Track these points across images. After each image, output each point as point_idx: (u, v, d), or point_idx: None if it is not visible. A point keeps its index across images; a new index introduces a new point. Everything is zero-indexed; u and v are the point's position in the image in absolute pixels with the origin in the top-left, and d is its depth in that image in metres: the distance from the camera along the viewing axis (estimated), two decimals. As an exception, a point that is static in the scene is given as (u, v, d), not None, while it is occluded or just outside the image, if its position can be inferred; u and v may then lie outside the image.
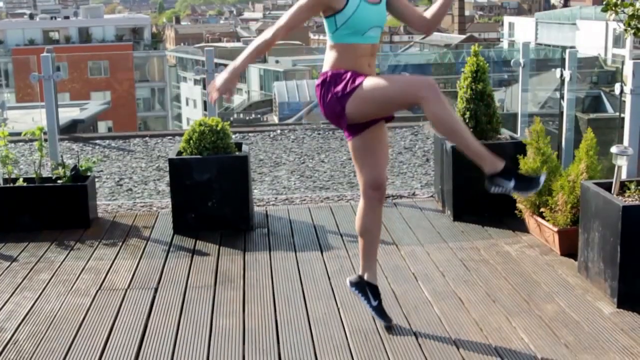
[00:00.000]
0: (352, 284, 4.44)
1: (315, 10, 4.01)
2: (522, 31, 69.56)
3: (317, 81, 4.12)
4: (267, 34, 3.99)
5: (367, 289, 4.39)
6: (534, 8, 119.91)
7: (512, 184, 3.93)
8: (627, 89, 5.46)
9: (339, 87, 3.97)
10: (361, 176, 4.22)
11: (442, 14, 4.21)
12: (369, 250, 4.37)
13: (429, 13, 4.21)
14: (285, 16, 4.02)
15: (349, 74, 3.98)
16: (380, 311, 4.37)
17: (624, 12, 4.76)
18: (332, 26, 4.00)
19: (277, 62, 58.68)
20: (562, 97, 6.93)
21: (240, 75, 4.08)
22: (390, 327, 4.35)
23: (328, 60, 4.07)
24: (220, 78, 3.98)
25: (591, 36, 52.81)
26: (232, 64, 3.98)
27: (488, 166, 3.96)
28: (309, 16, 4.04)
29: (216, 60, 7.57)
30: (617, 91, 5.63)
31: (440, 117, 3.88)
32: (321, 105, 4.09)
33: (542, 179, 3.94)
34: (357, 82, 3.94)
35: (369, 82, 3.95)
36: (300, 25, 4.07)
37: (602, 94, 22.80)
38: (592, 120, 17.07)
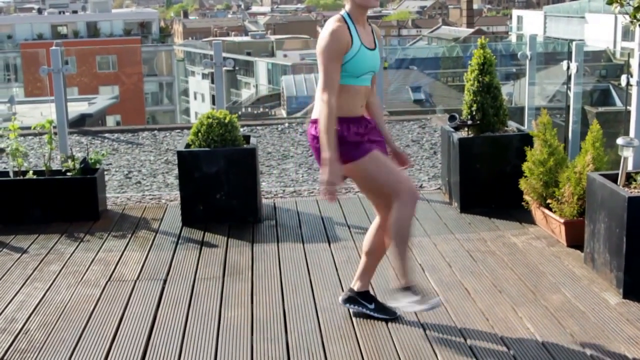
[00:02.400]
0: (345, 301, 4.48)
1: (341, 58, 3.98)
2: (531, 24, 69.38)
3: (310, 130, 4.14)
4: (327, 105, 3.91)
5: (358, 299, 4.44)
6: (543, 1, 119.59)
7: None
8: (634, 80, 5.47)
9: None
10: (393, 184, 4.06)
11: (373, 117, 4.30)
12: (373, 266, 4.43)
13: (373, 106, 4.31)
14: (325, 80, 3.94)
15: (340, 138, 3.98)
16: (380, 311, 4.41)
17: (630, 4, 4.77)
18: None
19: (285, 56, 58.74)
20: (569, 89, 6.94)
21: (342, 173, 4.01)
22: (397, 318, 4.38)
23: (319, 107, 4.05)
24: (325, 176, 3.89)
25: (600, 29, 52.64)
26: (327, 155, 3.88)
27: (399, 280, 4.13)
28: (340, 65, 3.99)
29: (224, 55, 7.60)
30: (623, 83, 5.64)
31: (403, 221, 4.02)
32: (317, 157, 4.07)
33: (437, 300, 4.15)
34: (345, 157, 3.97)
35: (359, 163, 4.03)
36: (339, 79, 4.01)
37: (610, 87, 22.76)
38: (600, 114, 17.07)
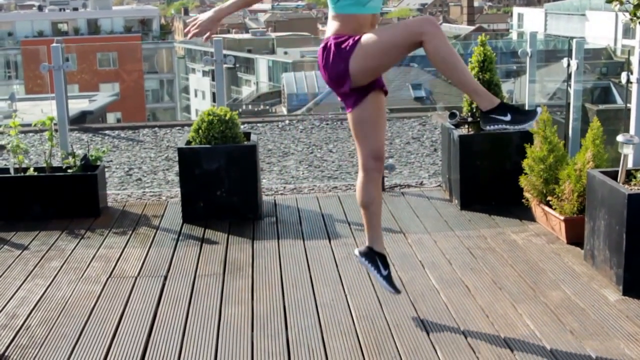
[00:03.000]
0: (362, 254, 4.41)
1: None
2: (531, 22, 69.32)
3: (320, 46, 4.14)
4: None
5: (377, 258, 4.37)
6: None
7: (507, 117, 3.88)
8: (634, 77, 5.47)
9: (342, 45, 3.99)
10: (362, 148, 4.23)
11: None
12: (374, 220, 4.36)
13: None
14: None
15: (351, 36, 4.00)
16: (389, 280, 4.35)
17: (630, 2, 4.78)
18: None
19: (285, 53, 58.72)
20: (569, 86, 6.94)
21: (221, 20, 4.11)
22: (398, 292, 4.39)
23: (330, 29, 4.11)
24: (203, 15, 4.06)
25: (601, 27, 52.64)
26: (219, 6, 4.07)
27: (484, 102, 3.91)
28: None
29: (225, 52, 7.61)
30: (623, 80, 5.64)
31: (441, 51, 3.85)
32: (324, 69, 4.09)
33: (539, 110, 3.93)
34: (357, 38, 3.97)
35: (369, 34, 3.97)
36: None
37: (611, 85, 22.77)
38: (600, 111, 17.06)
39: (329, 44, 4.05)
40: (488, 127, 3.94)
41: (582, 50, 6.82)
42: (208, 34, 4.07)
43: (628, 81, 5.60)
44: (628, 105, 6.41)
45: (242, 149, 6.28)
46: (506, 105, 3.91)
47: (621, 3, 4.85)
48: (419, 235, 5.81)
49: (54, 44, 7.36)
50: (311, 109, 28.01)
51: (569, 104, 6.99)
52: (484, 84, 6.29)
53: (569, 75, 6.90)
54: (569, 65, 6.79)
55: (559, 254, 5.34)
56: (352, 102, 4.15)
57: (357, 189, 4.33)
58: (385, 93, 4.26)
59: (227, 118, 6.28)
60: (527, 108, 4.10)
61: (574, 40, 6.82)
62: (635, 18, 4.92)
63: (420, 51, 4.12)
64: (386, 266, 4.37)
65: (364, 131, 4.20)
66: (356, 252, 4.48)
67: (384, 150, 4.29)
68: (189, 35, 4.13)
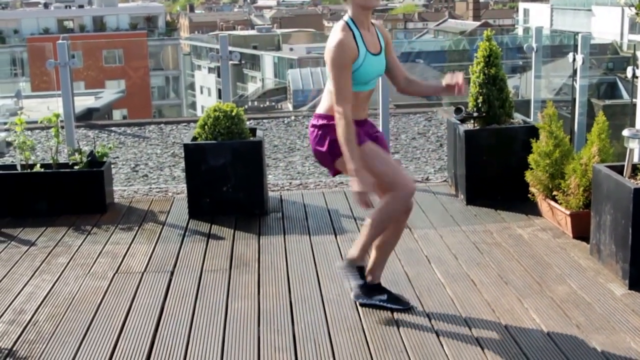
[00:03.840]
0: (356, 297, 4.48)
1: (350, 65, 4.01)
2: (537, 17, 69.12)
3: (312, 121, 4.21)
4: (342, 116, 3.96)
5: (372, 291, 4.44)
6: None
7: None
8: (639, 72, 5.47)
9: (331, 147, 4.09)
10: (392, 179, 4.12)
11: (420, 94, 4.51)
12: (382, 260, 4.44)
13: (410, 81, 4.37)
14: (338, 89, 3.98)
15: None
16: (394, 300, 4.40)
17: (636, -3, 4.78)
18: None
19: (291, 49, 58.69)
20: (575, 81, 6.94)
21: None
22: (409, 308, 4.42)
23: (327, 102, 4.14)
24: (357, 186, 3.95)
25: (607, 22, 52.48)
26: (353, 166, 3.93)
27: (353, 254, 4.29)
28: (350, 73, 4.02)
29: (230, 48, 7.61)
30: (629, 75, 5.65)
31: (390, 214, 4.12)
32: (313, 145, 4.22)
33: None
34: None
35: (363, 152, 4.04)
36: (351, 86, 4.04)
37: (617, 80, 22.74)
38: (607, 107, 17.04)
39: (321, 131, 4.15)
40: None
41: (587, 46, 6.82)
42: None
43: (634, 76, 5.60)
44: (634, 100, 6.41)
45: (248, 145, 6.29)
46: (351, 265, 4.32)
47: (627, -2, 4.85)
48: (425, 230, 5.82)
49: (60, 41, 7.38)
50: (316, 105, 28.00)
51: (574, 99, 6.99)
52: (490, 79, 6.30)
53: (575, 71, 6.89)
54: (574, 60, 6.78)
55: (565, 248, 5.34)
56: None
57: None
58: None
59: (233, 114, 6.29)
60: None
61: (580, 35, 6.82)
62: (640, 12, 4.92)
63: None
64: (383, 292, 4.45)
65: (383, 157, 4.15)
66: (352, 297, 4.53)
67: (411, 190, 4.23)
68: (367, 207, 4.06)
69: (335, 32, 4.05)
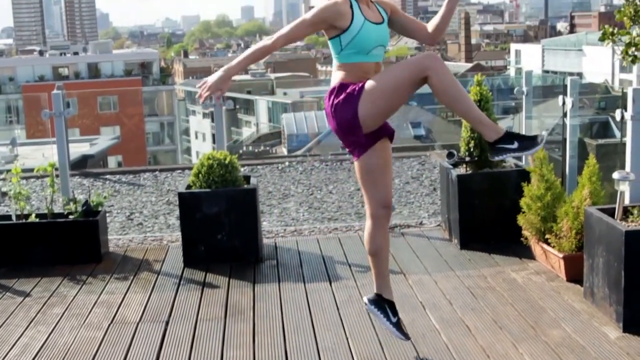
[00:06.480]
0: (371, 302, 4.43)
1: (317, 27, 4.09)
2: (529, 58, 69.75)
3: (326, 94, 4.19)
4: (267, 41, 4.10)
5: (386, 306, 4.40)
6: (540, 35, 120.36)
7: (515, 145, 3.95)
8: (628, 115, 5.53)
9: (348, 91, 4.04)
10: (371, 196, 4.27)
11: (446, 24, 4.24)
12: (382, 267, 4.40)
13: (432, 24, 4.28)
14: (287, 27, 4.13)
15: (356, 83, 4.07)
16: (399, 327, 4.37)
17: (622, 41, 4.86)
18: (338, 46, 4.10)
19: (285, 94, 59.03)
20: (564, 124, 7.00)
21: (232, 78, 4.14)
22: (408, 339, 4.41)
23: (335, 78, 4.16)
24: (213, 77, 4.07)
25: (598, 62, 53.02)
26: (227, 65, 4.10)
27: (490, 133, 3.98)
28: (311, 32, 4.12)
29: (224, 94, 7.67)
30: (618, 117, 5.70)
31: (446, 85, 3.94)
32: (332, 117, 4.12)
33: (545, 133, 3.99)
34: (363, 84, 4.04)
35: (375, 77, 4.04)
36: (300, 38, 4.21)
37: (609, 119, 22.91)
38: (600, 146, 17.14)
39: (334, 93, 4.11)
40: (497, 158, 4.01)
41: (577, 88, 6.89)
42: (219, 93, 4.08)
43: (622, 118, 5.66)
44: (624, 139, 6.46)
45: (242, 193, 6.33)
46: (512, 134, 3.98)
47: (613, 42, 4.93)
48: (419, 275, 5.83)
49: (55, 91, 7.44)
50: (311, 149, 28.12)
51: (565, 138, 7.05)
52: (481, 124, 6.34)
53: (565, 114, 6.96)
54: (564, 103, 6.85)
55: (559, 291, 5.35)
56: (359, 150, 4.19)
57: (366, 237, 4.37)
58: (392, 136, 4.32)
59: (226, 162, 6.33)
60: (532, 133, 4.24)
61: (569, 78, 6.90)
62: (627, 56, 5.00)
63: (420, 89, 4.19)
64: (395, 313, 4.40)
65: (373, 179, 4.24)
66: (365, 300, 4.51)
67: (391, 197, 4.34)
68: (201, 100, 4.14)
69: None
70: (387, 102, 4.04)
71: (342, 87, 4.09)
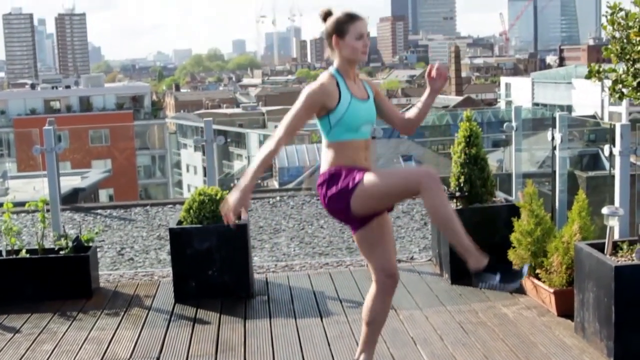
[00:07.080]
0: None
1: (312, 111, 4.06)
2: (519, 91, 70.19)
3: (318, 181, 4.20)
4: (270, 144, 4.02)
5: None
6: (530, 68, 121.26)
7: (497, 277, 4.07)
8: (616, 150, 5.58)
9: (341, 185, 4.04)
10: (374, 266, 4.25)
11: (421, 119, 4.36)
12: (373, 336, 4.37)
13: (408, 115, 4.37)
14: (283, 123, 4.06)
15: (348, 172, 4.06)
16: None
17: (608, 78, 4.91)
18: (327, 126, 4.10)
19: (276, 127, 59.08)
20: (553, 158, 7.06)
21: (251, 193, 4.07)
22: None
23: (326, 159, 4.15)
24: (233, 198, 3.98)
25: (587, 94, 53.33)
26: (243, 182, 4.00)
27: (473, 262, 4.06)
28: (307, 118, 4.09)
29: (215, 127, 7.71)
30: (606, 152, 5.75)
31: (438, 208, 3.97)
32: (325, 203, 4.14)
33: (525, 269, 4.13)
34: (357, 179, 4.01)
35: (370, 177, 4.02)
36: (300, 128, 4.10)
37: (599, 151, 23.05)
38: (590, 178, 17.20)
39: (326, 184, 4.10)
40: (480, 286, 4.23)
41: (566, 122, 6.95)
42: (243, 210, 4.07)
43: (611, 154, 5.71)
44: (613, 171, 6.51)
45: (233, 229, 6.32)
46: (494, 266, 4.08)
47: (599, 79, 4.98)
48: (410, 311, 5.83)
49: (46, 127, 7.47)
50: (303, 182, 28.14)
51: (554, 171, 7.10)
52: (471, 159, 6.40)
53: (554, 148, 7.01)
54: (553, 138, 6.91)
55: (549, 326, 5.36)
56: (355, 226, 4.22)
57: (365, 303, 4.31)
58: (391, 209, 4.32)
59: (218, 198, 6.35)
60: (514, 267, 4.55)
61: (558, 113, 6.96)
62: (614, 93, 5.06)
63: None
64: None
65: (372, 250, 4.24)
66: None
67: (395, 265, 4.29)
68: (229, 221, 4.04)
69: (322, 76, 4.11)
70: (378, 203, 4.09)
71: (333, 177, 4.09)
